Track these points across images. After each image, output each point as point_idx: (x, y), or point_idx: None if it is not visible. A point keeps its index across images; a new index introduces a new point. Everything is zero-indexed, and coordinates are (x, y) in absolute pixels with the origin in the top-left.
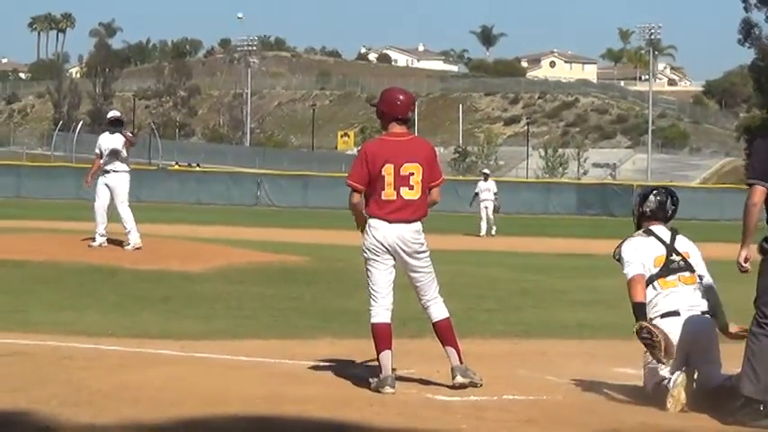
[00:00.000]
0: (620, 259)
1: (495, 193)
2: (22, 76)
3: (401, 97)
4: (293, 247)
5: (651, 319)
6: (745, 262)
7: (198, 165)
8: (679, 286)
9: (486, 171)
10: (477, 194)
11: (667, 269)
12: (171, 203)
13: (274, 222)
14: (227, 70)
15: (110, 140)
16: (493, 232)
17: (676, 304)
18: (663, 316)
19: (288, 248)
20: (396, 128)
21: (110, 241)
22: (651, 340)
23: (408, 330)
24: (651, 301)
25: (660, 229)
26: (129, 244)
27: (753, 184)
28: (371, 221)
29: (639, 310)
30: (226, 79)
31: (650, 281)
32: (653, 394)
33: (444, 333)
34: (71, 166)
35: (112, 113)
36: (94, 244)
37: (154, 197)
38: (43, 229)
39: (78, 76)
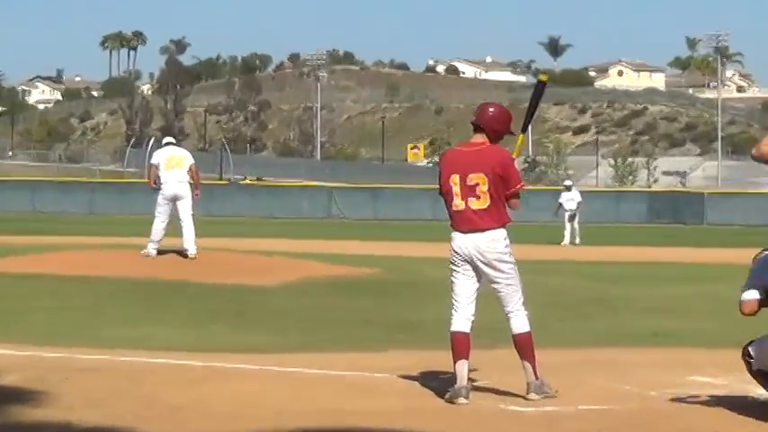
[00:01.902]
0: None
1: (578, 203)
2: (95, 93)
3: (490, 109)
4: (364, 259)
5: None
6: None
7: (260, 178)
8: None
9: (568, 183)
10: (561, 205)
11: None
12: (242, 218)
13: (345, 235)
14: (296, 84)
15: None
16: (577, 241)
17: None
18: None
19: (359, 261)
20: (473, 137)
21: (178, 254)
22: None
23: (482, 340)
24: None
25: None
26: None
27: None
28: (452, 232)
29: None
30: (295, 93)
31: None
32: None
33: (522, 347)
34: (144, 181)
35: (167, 139)
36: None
37: (225, 211)
38: (116, 245)
39: (150, 92)
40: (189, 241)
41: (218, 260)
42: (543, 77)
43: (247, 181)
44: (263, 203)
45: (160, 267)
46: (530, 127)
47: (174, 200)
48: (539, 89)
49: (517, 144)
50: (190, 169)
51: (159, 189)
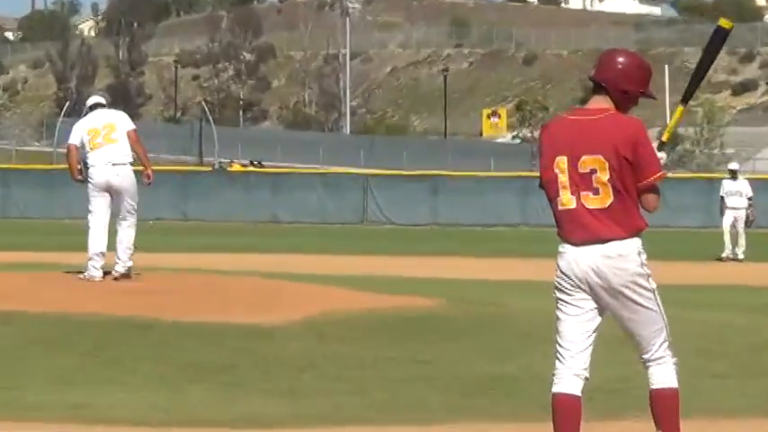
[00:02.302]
0: None
1: (749, 198)
2: (10, 36)
3: (619, 59)
4: (419, 284)
5: None
6: None
7: (258, 163)
8: None
9: (734, 166)
10: (722, 199)
11: None
12: (233, 222)
13: (389, 247)
14: (314, 21)
15: None
16: (740, 254)
17: None
18: None
19: (411, 287)
20: (591, 101)
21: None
22: None
23: (598, 406)
24: None
25: None
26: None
27: None
28: (560, 245)
29: None
30: (313, 35)
31: None
32: None
33: (664, 409)
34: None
35: (92, 100)
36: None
37: (207, 213)
38: (43, 264)
39: (93, 34)
40: (121, 251)
41: (199, 287)
42: (726, 23)
43: (239, 167)
44: (264, 201)
45: (112, 298)
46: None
47: (109, 190)
48: (717, 41)
49: (672, 120)
50: (128, 139)
51: (87, 180)
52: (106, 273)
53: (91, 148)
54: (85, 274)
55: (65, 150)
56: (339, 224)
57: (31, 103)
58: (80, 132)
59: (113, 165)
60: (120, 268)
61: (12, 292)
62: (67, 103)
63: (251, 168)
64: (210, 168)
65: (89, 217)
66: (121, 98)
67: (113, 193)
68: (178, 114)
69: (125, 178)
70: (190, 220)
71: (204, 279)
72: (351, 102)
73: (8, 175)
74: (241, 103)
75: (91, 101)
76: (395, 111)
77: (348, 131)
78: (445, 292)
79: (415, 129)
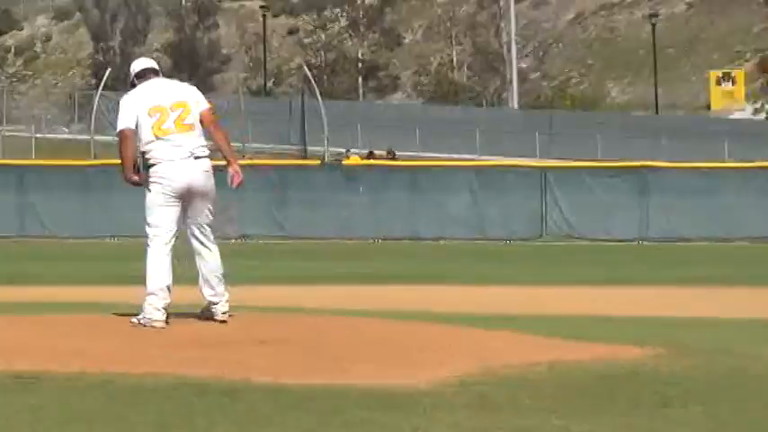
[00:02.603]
0: None
1: None
2: None
3: None
4: (624, 324)
5: None
6: None
7: (387, 153)
8: None
9: None
10: None
11: None
12: (352, 239)
13: (578, 272)
14: None
15: None
16: None
17: None
18: None
19: (613, 329)
20: None
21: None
22: None
23: None
24: None
25: None
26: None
27: None
28: None
29: None
30: None
31: None
32: None
33: None
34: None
35: (142, 64)
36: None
37: (314, 226)
38: (78, 303)
39: None
40: (216, 280)
41: (305, 334)
42: None
43: (357, 159)
44: (397, 208)
45: (181, 352)
46: None
47: (187, 196)
48: None
49: None
50: (201, 122)
51: (148, 182)
52: (170, 315)
53: (157, 136)
54: (142, 317)
55: (111, 138)
56: (505, 240)
57: (57, 70)
58: (135, 111)
59: (196, 158)
60: (223, 307)
61: (37, 345)
62: (108, 71)
63: (375, 161)
64: (318, 162)
65: (150, 234)
66: (186, 62)
67: (191, 199)
68: (269, 85)
69: (209, 178)
70: (289, 238)
71: (311, 322)
72: (519, 63)
73: (26, 176)
74: (360, 66)
75: (138, 65)
76: (582, 76)
77: (516, 106)
78: (663, 337)
79: (613, 101)
